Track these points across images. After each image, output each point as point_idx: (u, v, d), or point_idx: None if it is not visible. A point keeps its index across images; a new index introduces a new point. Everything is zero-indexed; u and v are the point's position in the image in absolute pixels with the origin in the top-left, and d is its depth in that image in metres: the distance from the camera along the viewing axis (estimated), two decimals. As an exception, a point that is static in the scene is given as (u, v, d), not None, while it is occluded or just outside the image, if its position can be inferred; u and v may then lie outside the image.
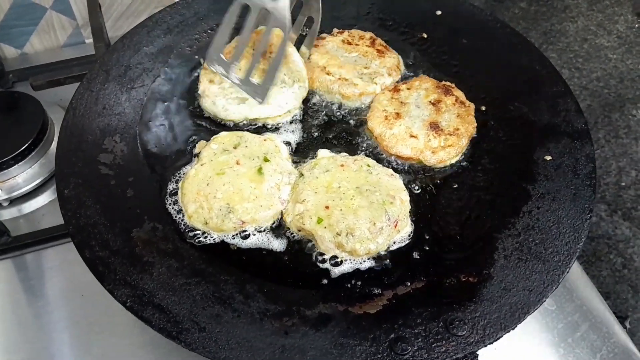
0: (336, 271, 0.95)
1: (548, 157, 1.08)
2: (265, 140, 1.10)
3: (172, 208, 1.02)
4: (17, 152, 1.31)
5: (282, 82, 1.18)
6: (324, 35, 1.31)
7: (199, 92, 1.18)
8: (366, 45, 1.27)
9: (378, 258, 0.97)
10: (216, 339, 0.83)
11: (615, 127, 1.56)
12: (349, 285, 0.93)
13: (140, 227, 0.98)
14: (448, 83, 1.20)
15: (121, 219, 0.99)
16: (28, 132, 1.35)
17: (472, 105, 1.16)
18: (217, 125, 1.17)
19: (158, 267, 0.92)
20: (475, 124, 1.14)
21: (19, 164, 1.32)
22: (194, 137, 1.15)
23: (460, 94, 1.18)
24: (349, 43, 1.28)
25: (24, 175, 1.34)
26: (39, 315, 1.16)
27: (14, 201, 1.33)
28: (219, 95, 1.16)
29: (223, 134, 1.11)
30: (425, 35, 1.35)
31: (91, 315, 1.15)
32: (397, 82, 1.23)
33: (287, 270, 0.95)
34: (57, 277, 1.21)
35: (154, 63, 1.26)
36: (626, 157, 1.49)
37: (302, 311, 0.88)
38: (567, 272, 0.92)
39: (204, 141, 1.12)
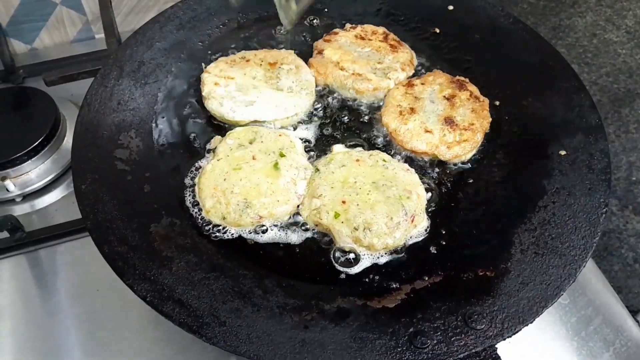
0: (354, 266, 0.95)
1: (563, 152, 1.08)
2: (280, 135, 1.10)
3: (189, 203, 1.03)
4: (30, 148, 1.32)
5: (289, 88, 1.18)
6: (336, 30, 1.31)
7: (203, 94, 1.17)
8: (379, 41, 1.27)
9: (395, 252, 0.97)
10: (237, 333, 0.83)
11: (625, 122, 1.57)
12: (367, 280, 0.93)
13: (158, 222, 0.98)
14: (462, 78, 1.20)
15: (139, 214, 0.99)
16: (41, 127, 1.35)
17: (487, 100, 1.16)
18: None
19: (177, 261, 0.92)
20: (490, 119, 1.14)
21: (32, 159, 1.33)
22: (204, 134, 1.15)
23: (474, 88, 1.18)
24: (362, 38, 1.28)
25: (37, 170, 1.34)
26: (53, 311, 1.16)
27: (27, 197, 1.34)
28: (226, 97, 1.16)
29: (238, 129, 1.12)
30: (437, 31, 1.35)
31: (105, 310, 1.15)
32: (411, 77, 1.23)
33: (304, 265, 0.96)
34: (71, 273, 1.22)
35: (167, 59, 1.26)
36: (636, 152, 1.49)
37: (321, 305, 0.89)
38: (584, 266, 0.92)
39: (219, 137, 1.12)
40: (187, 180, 1.06)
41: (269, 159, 1.05)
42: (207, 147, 1.12)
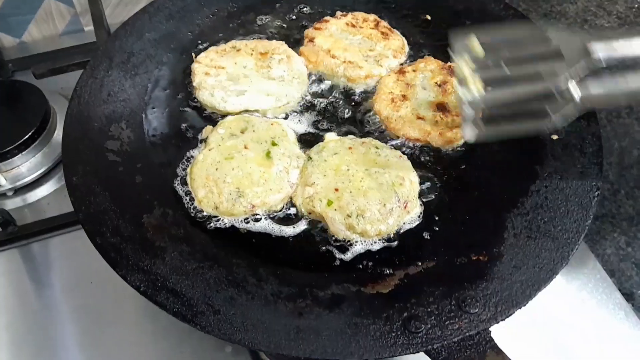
0: (347, 253, 0.95)
1: (555, 137, 1.09)
2: (272, 124, 1.09)
3: (182, 192, 1.02)
4: (20, 142, 1.31)
5: (281, 77, 1.18)
6: (327, 18, 1.30)
7: (194, 84, 1.17)
8: (370, 28, 1.27)
9: (389, 239, 0.97)
10: (231, 321, 0.83)
11: (617, 107, 1.56)
12: (360, 266, 0.93)
13: (150, 212, 0.98)
14: (453, 64, 1.20)
15: (131, 205, 0.98)
16: (31, 121, 1.34)
17: None
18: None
19: (170, 251, 0.92)
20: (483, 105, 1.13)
21: (23, 153, 1.32)
22: (195, 124, 1.15)
23: None
24: (353, 26, 1.27)
25: (28, 164, 1.34)
26: (47, 305, 1.16)
27: (18, 191, 1.33)
28: (217, 87, 1.15)
29: (229, 118, 1.11)
30: (428, 17, 1.34)
31: (100, 303, 1.15)
32: (402, 64, 1.23)
33: (298, 253, 0.96)
34: (64, 266, 1.21)
35: (156, 49, 1.25)
36: (628, 137, 1.49)
37: (315, 292, 0.89)
38: (577, 249, 0.92)
39: (210, 126, 1.11)
40: (179, 171, 1.06)
41: (261, 148, 1.05)
42: (199, 137, 1.12)
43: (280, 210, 1.01)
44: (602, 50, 0.79)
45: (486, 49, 0.88)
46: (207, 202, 0.99)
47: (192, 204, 1.00)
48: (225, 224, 0.99)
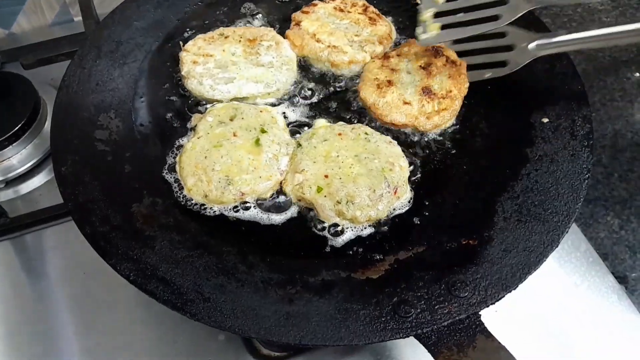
0: (338, 239, 0.95)
1: (545, 120, 1.08)
2: (261, 111, 1.09)
3: (172, 181, 1.02)
4: (10, 133, 1.31)
5: (270, 64, 1.17)
6: (315, 2, 1.29)
7: (183, 73, 1.16)
8: (358, 13, 1.25)
9: (379, 224, 0.97)
10: (221, 309, 0.83)
11: (611, 91, 1.56)
12: (350, 252, 0.93)
13: (140, 202, 0.98)
14: (437, 44, 1.19)
15: (120, 194, 0.98)
16: (21, 112, 1.34)
17: (464, 63, 1.14)
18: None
19: (160, 240, 0.92)
20: (468, 83, 1.12)
21: (13, 144, 1.32)
22: (184, 113, 1.14)
23: (450, 53, 1.16)
24: (341, 10, 1.26)
25: (19, 156, 1.33)
26: (41, 296, 1.16)
27: (10, 182, 1.33)
28: (205, 75, 1.14)
29: (218, 106, 1.10)
30: (418, 1, 1.33)
31: (93, 293, 1.16)
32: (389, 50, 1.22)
33: (288, 240, 0.96)
34: (58, 257, 1.22)
35: (145, 38, 1.24)
36: (622, 120, 1.49)
37: (305, 279, 0.89)
38: (567, 232, 0.92)
39: (199, 114, 1.11)
40: (168, 159, 1.05)
41: (250, 136, 1.05)
42: (188, 125, 1.11)
43: (270, 198, 1.01)
44: None
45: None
46: (196, 190, 0.99)
47: (182, 192, 1.00)
48: (214, 211, 0.98)
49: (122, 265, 0.88)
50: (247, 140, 1.04)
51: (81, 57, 1.17)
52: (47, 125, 1.38)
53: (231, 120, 1.07)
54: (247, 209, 0.99)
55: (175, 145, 1.07)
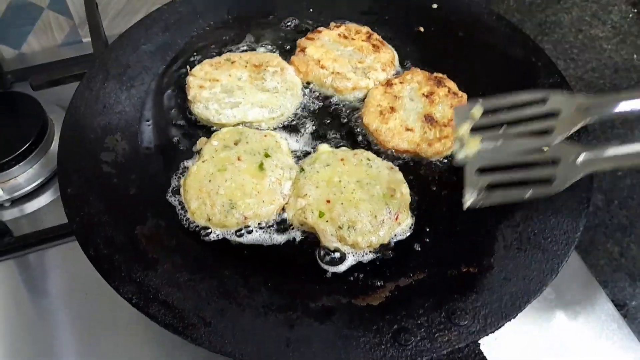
0: (339, 265, 0.96)
1: (546, 149, 1.09)
2: (265, 136, 1.10)
3: (176, 203, 1.03)
4: (17, 153, 1.32)
5: (275, 89, 1.19)
6: (320, 28, 1.32)
7: (189, 97, 1.18)
8: (362, 40, 1.28)
9: (380, 250, 0.98)
10: (222, 333, 0.84)
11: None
12: (351, 278, 0.94)
13: (143, 224, 0.99)
14: (440, 75, 1.21)
15: (124, 216, 0.99)
16: (28, 132, 1.35)
17: (465, 95, 1.17)
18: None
19: (162, 263, 0.93)
20: (469, 115, 1.14)
21: (20, 164, 1.33)
22: (189, 137, 1.15)
23: (452, 84, 1.19)
24: (345, 37, 1.28)
25: (25, 175, 1.34)
26: (43, 315, 1.16)
27: (15, 201, 1.34)
28: (211, 100, 1.16)
29: (223, 130, 1.12)
30: (421, 29, 1.36)
31: (95, 313, 1.16)
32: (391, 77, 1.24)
33: (289, 264, 0.97)
34: (60, 276, 1.22)
35: (152, 61, 1.27)
36: (622, 147, 1.50)
37: (306, 304, 0.89)
38: (566, 261, 0.93)
39: (205, 138, 1.13)
40: (173, 182, 1.07)
41: (254, 160, 1.06)
42: (194, 148, 1.13)
43: (272, 222, 1.02)
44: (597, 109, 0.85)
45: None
46: (199, 213, 1.00)
47: (185, 215, 1.01)
48: (217, 235, 0.99)
49: (125, 288, 0.88)
50: (251, 164, 1.05)
51: (89, 79, 1.19)
52: (54, 145, 1.39)
53: (236, 144, 1.09)
54: (249, 232, 1.00)
55: (180, 168, 1.09)
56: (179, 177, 1.07)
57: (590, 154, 0.86)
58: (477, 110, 0.93)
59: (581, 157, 0.86)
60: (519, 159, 0.91)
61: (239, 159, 1.06)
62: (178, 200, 1.04)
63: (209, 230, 1.00)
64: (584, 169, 0.87)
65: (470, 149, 0.91)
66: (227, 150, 1.08)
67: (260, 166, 1.05)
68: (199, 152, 1.10)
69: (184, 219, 1.01)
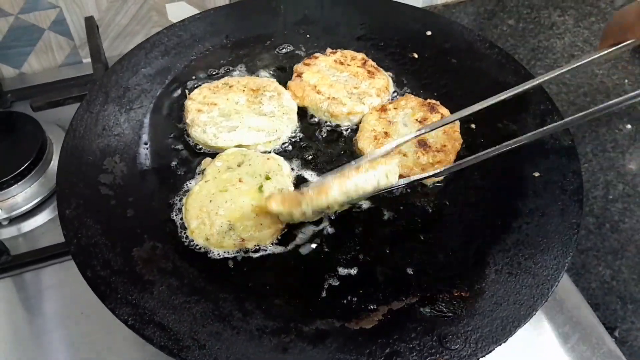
0: (334, 285, 0.97)
1: (536, 174, 1.11)
2: (268, 159, 1.13)
3: (178, 223, 1.06)
4: (16, 172, 1.33)
5: (271, 113, 1.21)
6: (317, 54, 1.35)
7: (187, 121, 1.20)
8: (357, 66, 1.31)
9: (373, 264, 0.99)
10: (216, 356, 0.85)
11: (603, 141, 1.60)
12: (345, 302, 0.95)
13: (140, 246, 1.00)
14: (433, 101, 1.24)
15: (122, 238, 1.01)
16: (27, 151, 1.37)
17: (458, 122, 1.19)
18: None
19: (158, 285, 0.94)
20: (461, 140, 1.17)
21: (19, 183, 1.34)
22: (187, 159, 1.17)
23: (445, 111, 1.21)
24: (341, 63, 1.31)
25: (24, 194, 1.35)
26: (38, 334, 1.17)
27: (13, 220, 1.35)
28: (209, 123, 1.18)
29: (228, 151, 1.14)
30: (415, 56, 1.38)
31: (91, 333, 1.16)
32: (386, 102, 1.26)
33: (285, 287, 0.98)
34: (57, 296, 1.22)
35: (152, 84, 1.29)
36: (613, 171, 1.53)
37: (300, 327, 0.90)
38: (556, 286, 0.94)
39: (209, 158, 1.15)
40: (176, 201, 1.09)
41: (255, 182, 1.08)
42: (197, 169, 1.15)
43: (270, 245, 1.03)
44: None
45: None
46: (198, 233, 1.01)
47: (185, 233, 1.03)
48: (214, 255, 1.01)
49: (121, 309, 0.89)
50: (251, 186, 1.07)
51: (89, 101, 1.21)
52: (53, 164, 1.41)
53: (239, 166, 1.11)
54: (246, 254, 1.01)
55: (184, 189, 1.11)
56: (181, 197, 1.09)
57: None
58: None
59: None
60: None
61: (240, 180, 1.08)
62: (180, 218, 1.06)
63: (211, 252, 1.01)
64: None
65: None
66: (229, 172, 1.10)
67: (260, 188, 1.07)
68: (202, 172, 1.12)
69: (184, 236, 1.03)
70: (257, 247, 1.02)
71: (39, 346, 1.15)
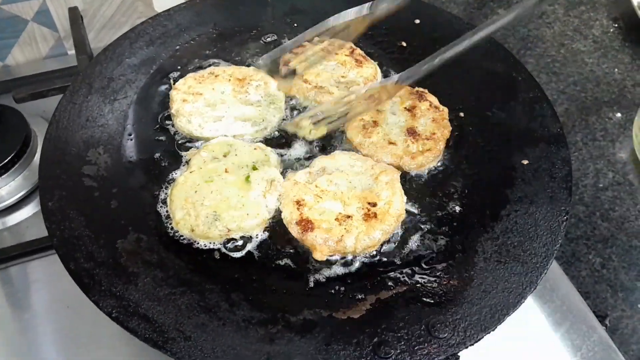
0: (319, 276, 0.96)
1: (525, 162, 1.11)
2: (255, 149, 1.11)
3: (163, 215, 1.04)
4: (0, 165, 1.31)
5: (258, 103, 1.20)
6: (304, 43, 1.32)
7: (172, 111, 1.18)
8: (345, 55, 1.29)
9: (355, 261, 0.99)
10: (202, 348, 0.84)
11: (593, 130, 1.59)
12: (332, 291, 0.94)
13: (124, 238, 0.99)
14: (421, 89, 1.22)
15: (106, 230, 0.99)
16: (11, 144, 1.35)
17: (446, 110, 1.18)
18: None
19: (143, 277, 0.93)
20: (450, 128, 1.16)
21: (2, 176, 1.32)
22: (172, 150, 1.16)
23: (433, 98, 1.20)
24: (329, 52, 1.29)
25: (7, 188, 1.34)
26: (24, 328, 1.16)
27: (-3, 214, 1.33)
28: (194, 114, 1.16)
29: (214, 141, 1.13)
30: (404, 44, 1.37)
31: (77, 327, 1.15)
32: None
33: (271, 278, 0.96)
34: (43, 290, 1.21)
35: (136, 74, 1.27)
36: (603, 159, 1.52)
37: (287, 318, 0.89)
38: (545, 274, 0.94)
39: (195, 149, 1.13)
40: (159, 193, 1.07)
41: (241, 172, 1.06)
42: (183, 159, 1.13)
43: (256, 235, 1.02)
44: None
45: None
46: (183, 223, 1.00)
47: (170, 224, 1.02)
48: (199, 245, 0.99)
49: (105, 302, 0.88)
50: (238, 177, 1.06)
51: (72, 92, 1.19)
52: (37, 157, 1.38)
53: (225, 156, 1.09)
54: (234, 245, 1.00)
55: (168, 180, 1.09)
56: (167, 187, 1.07)
57: (403, 73, 1.07)
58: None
59: (395, 77, 1.08)
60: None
61: (226, 171, 1.06)
62: (165, 210, 1.04)
63: (196, 242, 1.00)
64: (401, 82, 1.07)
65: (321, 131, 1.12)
66: (215, 162, 1.08)
67: (247, 179, 1.05)
68: (188, 162, 1.11)
69: (169, 227, 1.01)
70: (243, 237, 1.01)
71: (26, 340, 1.14)
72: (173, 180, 1.09)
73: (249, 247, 1.00)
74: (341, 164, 1.09)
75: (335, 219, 1.00)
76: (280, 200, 1.05)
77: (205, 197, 1.02)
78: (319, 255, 0.97)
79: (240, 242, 1.01)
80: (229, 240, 1.00)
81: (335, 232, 0.98)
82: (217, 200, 1.02)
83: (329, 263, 0.98)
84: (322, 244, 0.97)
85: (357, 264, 0.98)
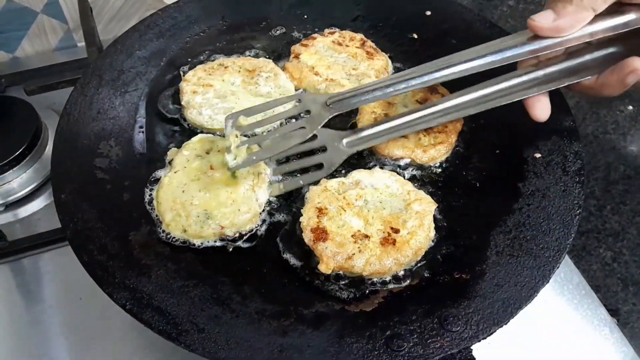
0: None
1: (537, 155, 1.10)
2: None
3: (153, 214, 1.03)
4: (11, 157, 1.32)
5: (268, 94, 1.19)
6: (315, 35, 1.32)
7: (182, 103, 1.17)
8: (356, 47, 1.28)
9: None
10: (215, 340, 0.84)
11: (604, 123, 1.59)
12: (344, 284, 0.94)
13: (137, 230, 0.99)
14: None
15: (118, 222, 0.99)
16: (22, 136, 1.35)
17: None
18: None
19: (156, 269, 0.93)
20: (462, 121, 1.15)
21: (14, 169, 1.33)
22: (183, 142, 1.14)
23: (445, 91, 1.19)
24: (340, 44, 1.29)
25: (19, 180, 1.34)
26: (36, 320, 1.16)
27: (9, 206, 1.34)
28: (204, 105, 1.16)
29: (194, 139, 1.11)
30: (415, 36, 1.36)
31: (89, 318, 1.16)
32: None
33: (283, 270, 0.97)
34: (54, 281, 1.22)
35: (146, 67, 1.27)
36: (614, 153, 1.52)
37: (300, 310, 0.90)
38: (558, 268, 0.93)
39: (175, 148, 1.12)
40: (146, 194, 1.06)
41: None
42: (165, 159, 1.11)
43: (250, 231, 1.01)
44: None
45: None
46: (174, 225, 0.98)
47: (161, 227, 1.00)
48: (197, 245, 0.99)
49: (119, 294, 0.88)
50: (224, 173, 1.04)
51: (83, 85, 1.19)
52: (48, 149, 1.39)
53: (207, 153, 1.08)
54: (243, 239, 1.00)
55: (151, 179, 1.08)
56: (151, 189, 1.06)
57: (350, 137, 1.10)
58: (243, 120, 1.04)
59: (344, 141, 1.09)
60: (298, 149, 1.08)
61: (211, 167, 1.05)
62: (154, 211, 1.03)
63: (193, 243, 0.99)
64: (347, 151, 1.09)
65: (240, 156, 1.00)
66: (199, 160, 1.06)
67: (233, 174, 1.03)
68: (170, 162, 1.09)
69: (160, 231, 1.00)
70: (239, 233, 1.00)
71: (38, 332, 1.15)
72: (157, 180, 1.07)
73: (258, 241, 1.00)
74: (377, 181, 1.04)
75: (352, 235, 0.95)
76: (305, 202, 1.02)
77: (193, 196, 1.00)
78: (324, 268, 0.92)
79: (245, 235, 1.00)
80: (225, 237, 1.00)
81: (347, 249, 0.93)
82: (207, 199, 1.00)
83: (335, 279, 0.95)
84: (330, 257, 0.93)
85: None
